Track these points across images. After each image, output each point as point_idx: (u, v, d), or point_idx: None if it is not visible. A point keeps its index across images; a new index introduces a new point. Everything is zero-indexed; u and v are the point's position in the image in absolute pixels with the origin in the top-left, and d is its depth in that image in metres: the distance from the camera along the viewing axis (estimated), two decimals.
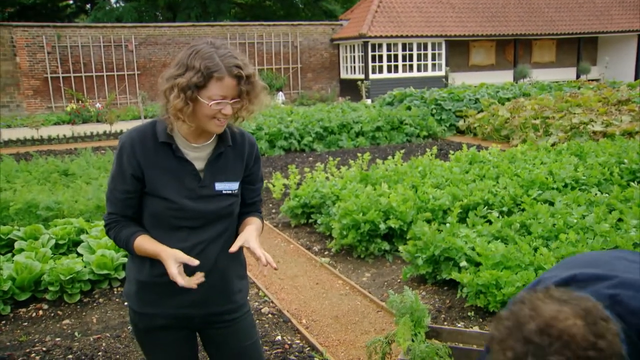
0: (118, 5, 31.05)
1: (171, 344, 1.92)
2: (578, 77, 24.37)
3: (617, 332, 1.09)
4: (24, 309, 4.10)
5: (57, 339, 3.65)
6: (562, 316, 1.07)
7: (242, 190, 1.94)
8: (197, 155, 1.82)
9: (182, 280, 1.67)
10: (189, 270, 1.72)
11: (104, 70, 19.85)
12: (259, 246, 1.77)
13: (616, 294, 1.28)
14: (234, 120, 1.82)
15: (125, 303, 4.17)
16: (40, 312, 4.06)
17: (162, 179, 1.77)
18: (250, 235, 1.80)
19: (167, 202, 1.77)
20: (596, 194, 5.10)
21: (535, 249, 4.02)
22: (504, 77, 22.96)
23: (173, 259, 1.69)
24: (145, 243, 1.77)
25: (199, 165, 1.82)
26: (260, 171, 2.00)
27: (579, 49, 25.21)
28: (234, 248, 1.76)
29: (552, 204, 5.10)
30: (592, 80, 21.48)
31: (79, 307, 4.15)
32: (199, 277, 1.73)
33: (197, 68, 1.65)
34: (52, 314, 4.04)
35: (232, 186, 1.86)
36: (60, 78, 19.22)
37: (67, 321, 3.94)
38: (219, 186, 1.83)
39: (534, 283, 1.51)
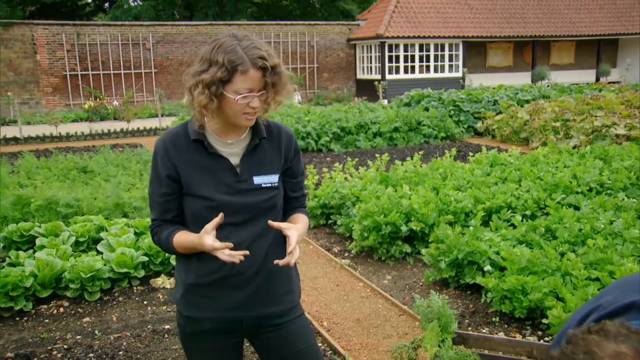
0: (136, 3, 31.25)
1: (218, 351, 1.87)
2: (597, 79, 24.06)
3: None
4: (45, 306, 4.11)
5: (78, 337, 3.64)
6: (621, 359, 1.00)
7: (284, 184, 1.89)
8: (231, 151, 1.78)
9: (219, 244, 1.61)
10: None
11: (122, 68, 19.99)
12: (296, 240, 1.70)
13: None
14: (262, 112, 1.78)
15: (145, 302, 4.17)
16: (61, 310, 4.07)
17: (198, 177, 1.74)
18: (295, 228, 1.74)
19: (206, 200, 1.73)
20: (623, 199, 4.99)
21: (562, 254, 3.94)
22: (522, 78, 22.75)
23: (204, 233, 1.64)
24: (182, 238, 1.75)
25: (235, 160, 1.78)
26: (301, 164, 1.94)
27: (599, 50, 24.90)
28: (275, 224, 1.72)
29: (577, 208, 5.00)
30: (612, 82, 21.19)
31: (99, 305, 4.14)
32: (242, 252, 1.66)
33: (220, 63, 1.61)
34: (73, 312, 4.04)
35: (272, 179, 1.80)
36: (79, 76, 19.39)
37: (87, 319, 3.93)
38: (257, 180, 1.78)
39: (590, 309, 1.41)
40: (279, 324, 1.86)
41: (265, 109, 1.75)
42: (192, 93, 1.66)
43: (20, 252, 4.54)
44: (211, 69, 1.62)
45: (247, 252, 1.67)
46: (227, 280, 1.76)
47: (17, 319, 3.94)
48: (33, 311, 4.04)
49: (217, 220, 1.65)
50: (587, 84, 18.32)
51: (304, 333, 1.92)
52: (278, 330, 1.87)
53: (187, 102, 1.73)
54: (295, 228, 1.75)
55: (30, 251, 4.63)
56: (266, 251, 1.80)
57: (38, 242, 4.75)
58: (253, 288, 1.79)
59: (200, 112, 1.66)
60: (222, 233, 1.73)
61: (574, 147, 9.23)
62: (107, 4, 33.52)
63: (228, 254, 1.63)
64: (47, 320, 3.92)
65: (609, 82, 20.10)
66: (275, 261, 1.71)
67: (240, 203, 1.75)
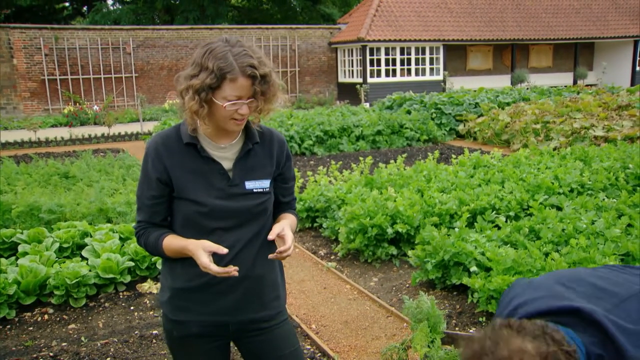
0: (115, 7, 30.97)
1: (205, 354, 1.88)
2: (575, 82, 24.46)
3: None
4: (29, 313, 4.05)
5: (64, 344, 3.60)
6: (517, 357, 1.13)
7: (276, 189, 1.91)
8: (224, 155, 1.78)
9: (216, 268, 1.63)
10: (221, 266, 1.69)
11: (102, 73, 19.77)
12: (291, 237, 1.75)
13: (603, 356, 1.28)
14: (253, 118, 1.79)
15: (131, 308, 4.13)
16: (46, 317, 4.01)
17: (190, 181, 1.74)
18: (286, 225, 1.78)
19: (197, 205, 1.74)
20: (604, 199, 5.09)
21: (546, 254, 4.00)
22: (502, 81, 23.03)
23: (201, 249, 1.65)
24: (172, 241, 1.74)
25: (227, 164, 1.78)
26: (292, 169, 1.96)
27: (576, 54, 25.34)
28: (271, 236, 1.73)
29: (559, 208, 5.08)
30: (589, 85, 21.57)
31: (84, 311, 4.09)
32: (233, 268, 1.67)
33: (210, 69, 1.61)
34: (58, 319, 3.99)
35: (263, 184, 1.82)
36: (58, 80, 19.12)
37: (72, 326, 3.89)
38: (249, 185, 1.79)
39: (524, 300, 1.44)
40: (264, 328, 1.88)
41: (256, 117, 1.76)
42: (183, 97, 1.66)
43: (2, 259, 4.46)
44: (201, 74, 1.63)
45: (237, 269, 1.68)
46: (214, 285, 1.76)
47: (0, 327, 3.88)
48: (16, 319, 3.98)
49: (222, 251, 1.66)
50: (565, 86, 18.60)
51: (289, 337, 1.94)
52: (263, 334, 1.88)
53: (178, 106, 1.73)
54: (287, 224, 1.79)
55: (13, 258, 4.56)
56: (255, 256, 1.81)
57: (20, 248, 4.68)
58: (240, 293, 1.80)
59: (192, 117, 1.67)
60: (212, 237, 1.73)
61: (554, 149, 9.38)
62: (85, 8, 33.13)
63: (222, 270, 1.64)
64: (31, 328, 3.86)
65: (587, 85, 20.46)
66: (270, 256, 1.74)
67: (232, 208, 1.76)
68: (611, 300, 1.36)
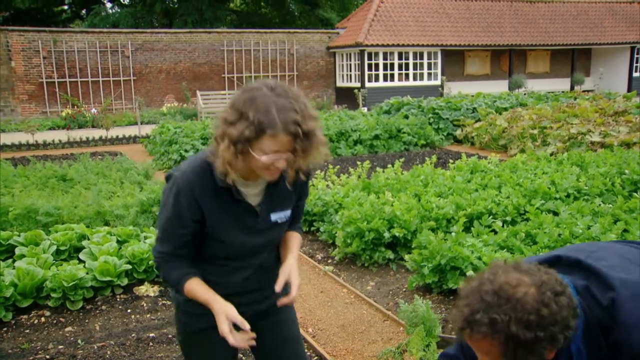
0: (114, 11, 31.02)
1: (220, 343, 1.88)
2: (572, 87, 24.56)
3: (565, 304, 1.26)
4: (25, 316, 4.05)
5: (60, 347, 3.60)
6: (515, 283, 1.26)
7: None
8: (252, 191, 1.78)
9: (232, 339, 1.67)
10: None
11: (100, 76, 19.79)
12: (297, 285, 1.79)
13: (589, 286, 1.41)
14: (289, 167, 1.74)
15: (128, 310, 4.13)
16: (42, 319, 4.01)
17: (222, 223, 1.74)
18: (293, 266, 1.82)
19: (227, 245, 1.78)
20: (600, 205, 5.11)
21: None
22: (499, 86, 23.11)
23: (224, 315, 1.67)
24: (197, 289, 1.75)
25: (255, 200, 1.78)
26: (307, 186, 1.94)
27: (573, 60, 25.45)
28: (277, 287, 1.77)
29: (555, 213, 5.11)
30: (586, 91, 21.65)
31: (81, 314, 4.10)
32: (251, 338, 1.73)
33: (250, 120, 1.52)
34: (54, 321, 3.99)
35: (286, 214, 1.85)
36: (56, 83, 19.14)
37: (69, 328, 3.89)
38: (274, 217, 1.81)
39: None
40: (274, 311, 1.97)
41: (292, 175, 1.73)
42: (219, 143, 1.60)
43: None
44: (239, 123, 1.54)
45: (254, 342, 1.74)
46: (234, 295, 1.83)
47: None
48: (13, 321, 3.97)
49: (245, 326, 1.69)
50: (562, 92, 18.69)
51: (293, 322, 2.03)
52: (269, 317, 1.97)
53: (213, 148, 1.67)
54: (293, 261, 1.84)
55: (10, 260, 4.56)
56: (269, 275, 1.89)
57: (17, 251, 4.68)
58: (257, 296, 1.93)
59: (224, 165, 1.61)
60: (233, 265, 1.82)
61: (551, 154, 9.41)
62: (84, 11, 33.17)
63: (237, 341, 1.69)
64: (27, 331, 3.86)
65: (584, 91, 20.53)
66: (279, 303, 1.81)
67: (258, 243, 1.81)
68: (586, 252, 1.52)
